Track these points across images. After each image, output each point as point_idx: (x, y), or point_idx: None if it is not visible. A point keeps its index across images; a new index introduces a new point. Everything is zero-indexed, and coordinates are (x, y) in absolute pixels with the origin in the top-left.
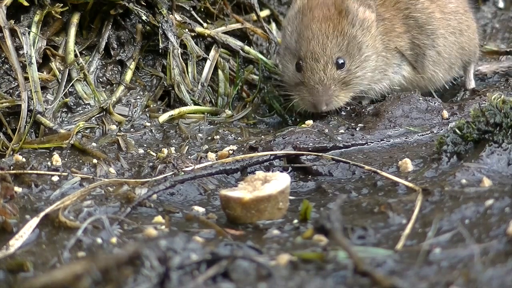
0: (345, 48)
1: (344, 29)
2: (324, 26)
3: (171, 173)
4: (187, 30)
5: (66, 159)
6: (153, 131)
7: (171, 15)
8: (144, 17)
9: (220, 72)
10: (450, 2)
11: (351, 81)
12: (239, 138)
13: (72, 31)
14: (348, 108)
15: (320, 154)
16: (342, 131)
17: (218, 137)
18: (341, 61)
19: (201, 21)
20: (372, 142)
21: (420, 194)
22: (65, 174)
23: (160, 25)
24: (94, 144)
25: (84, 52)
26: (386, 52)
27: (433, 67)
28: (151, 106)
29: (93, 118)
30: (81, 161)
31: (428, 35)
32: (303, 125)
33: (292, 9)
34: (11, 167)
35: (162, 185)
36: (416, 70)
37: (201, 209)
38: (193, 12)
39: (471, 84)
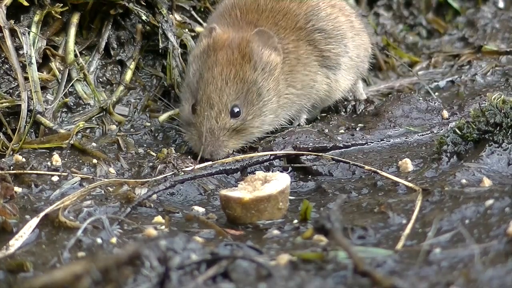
0: (244, 95)
1: (246, 75)
2: (225, 70)
3: (171, 173)
4: (187, 30)
5: (66, 159)
6: (153, 131)
7: (171, 15)
8: (144, 17)
9: None
10: (345, 4)
11: (245, 130)
12: None
13: (72, 31)
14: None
15: (320, 154)
16: (342, 131)
17: None
18: (236, 109)
19: (201, 21)
20: (372, 142)
21: (420, 194)
22: (65, 174)
23: (160, 25)
24: (94, 144)
25: (84, 52)
26: (294, 88)
27: (347, 74)
28: (151, 106)
29: (93, 118)
30: (81, 161)
31: (339, 42)
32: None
33: (197, 47)
34: (11, 167)
35: (162, 185)
36: (330, 85)
37: (201, 209)
38: (193, 12)
39: (363, 95)
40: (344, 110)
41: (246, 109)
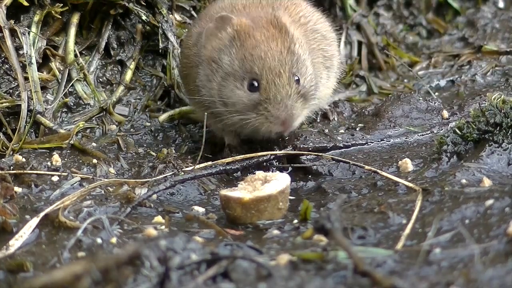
0: (296, 65)
1: (290, 47)
2: (273, 44)
3: (171, 173)
4: (187, 30)
5: (66, 159)
6: (153, 131)
7: (171, 15)
8: (144, 17)
9: None
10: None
11: (308, 95)
12: None
13: (72, 31)
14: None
15: (320, 154)
16: (342, 131)
17: None
18: (296, 77)
19: None
20: (372, 142)
21: (420, 194)
22: (65, 174)
23: (160, 25)
24: (94, 144)
25: (84, 52)
26: (316, 70)
27: (335, 77)
28: (151, 106)
29: (93, 118)
30: (81, 161)
31: (332, 44)
32: None
33: (219, 39)
34: (11, 167)
35: (162, 185)
36: (328, 88)
37: (201, 209)
38: (193, 12)
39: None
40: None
41: (301, 77)
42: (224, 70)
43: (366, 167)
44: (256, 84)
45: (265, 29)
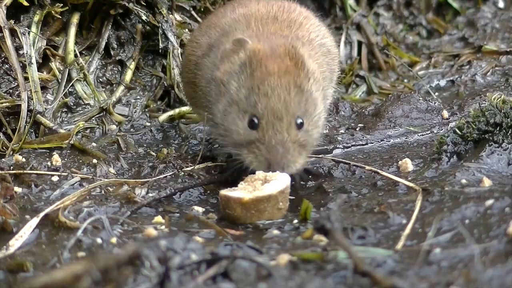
0: (304, 106)
1: (303, 84)
2: (283, 80)
3: (171, 173)
4: (187, 30)
5: (66, 159)
6: (153, 131)
7: (171, 15)
8: (144, 17)
9: None
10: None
11: (307, 143)
12: None
13: (72, 31)
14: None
15: (320, 156)
16: (342, 131)
17: None
18: (300, 120)
19: (201, 21)
20: (372, 142)
21: (420, 194)
22: (65, 174)
23: (160, 25)
24: (94, 144)
25: (84, 52)
26: (324, 83)
27: (332, 91)
28: (151, 106)
29: (93, 118)
30: (81, 161)
31: (334, 59)
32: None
33: (231, 63)
34: (11, 167)
35: (163, 192)
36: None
37: (201, 209)
38: (193, 12)
39: None
40: None
41: (306, 120)
42: (231, 96)
43: (366, 167)
44: (256, 121)
45: (280, 59)
